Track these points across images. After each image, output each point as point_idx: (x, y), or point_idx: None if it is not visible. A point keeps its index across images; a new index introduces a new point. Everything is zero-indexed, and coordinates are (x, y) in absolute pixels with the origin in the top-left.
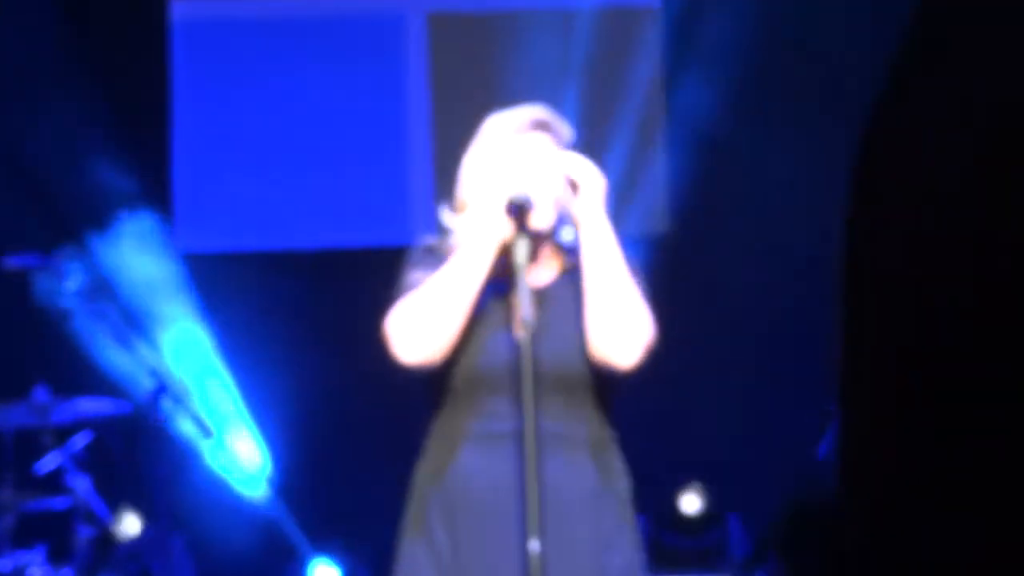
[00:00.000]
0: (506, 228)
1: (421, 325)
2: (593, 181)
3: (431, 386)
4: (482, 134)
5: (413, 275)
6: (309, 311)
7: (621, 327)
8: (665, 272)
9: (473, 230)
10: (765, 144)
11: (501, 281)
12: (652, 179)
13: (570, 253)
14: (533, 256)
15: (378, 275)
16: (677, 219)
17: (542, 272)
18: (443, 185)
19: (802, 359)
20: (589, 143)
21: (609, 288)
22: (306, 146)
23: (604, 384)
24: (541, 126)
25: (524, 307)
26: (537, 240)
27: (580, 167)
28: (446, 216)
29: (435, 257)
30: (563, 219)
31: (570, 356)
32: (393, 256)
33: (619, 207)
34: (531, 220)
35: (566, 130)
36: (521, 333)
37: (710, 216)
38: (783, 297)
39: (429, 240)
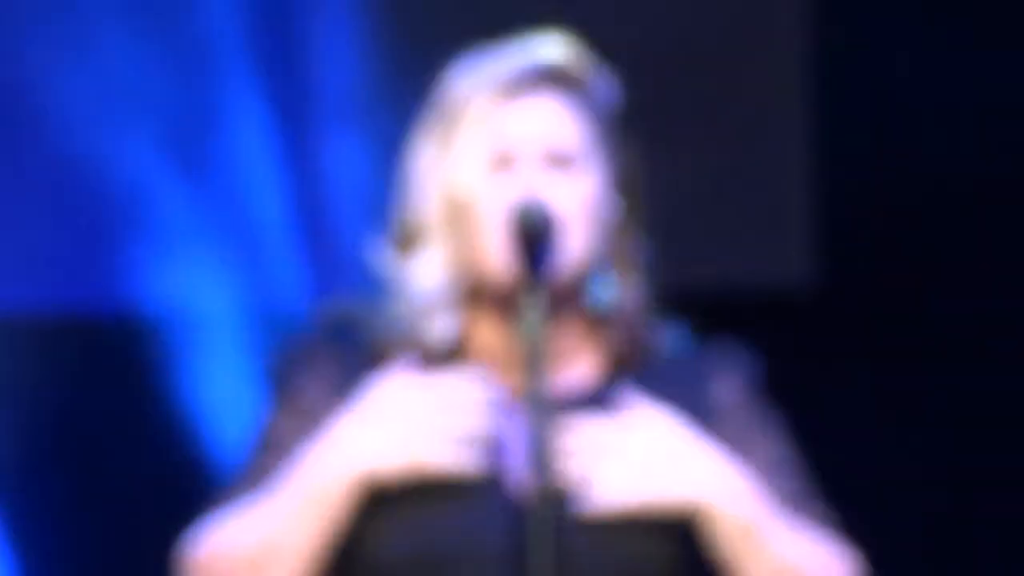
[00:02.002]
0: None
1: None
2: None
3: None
4: (449, 103)
5: (287, 426)
6: None
7: None
8: (807, 335)
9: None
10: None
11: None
12: (791, 203)
13: (612, 323)
14: (552, 328)
15: None
16: (825, 261)
17: (566, 369)
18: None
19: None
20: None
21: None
22: None
23: None
24: (557, 77)
25: (540, 425)
26: (556, 300)
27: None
28: (381, 256)
29: (338, 362)
30: (602, 260)
31: (635, 539)
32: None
33: (742, 242)
34: (552, 258)
35: (603, 85)
36: (532, 488)
37: (872, 258)
38: (974, 369)
39: (340, 309)
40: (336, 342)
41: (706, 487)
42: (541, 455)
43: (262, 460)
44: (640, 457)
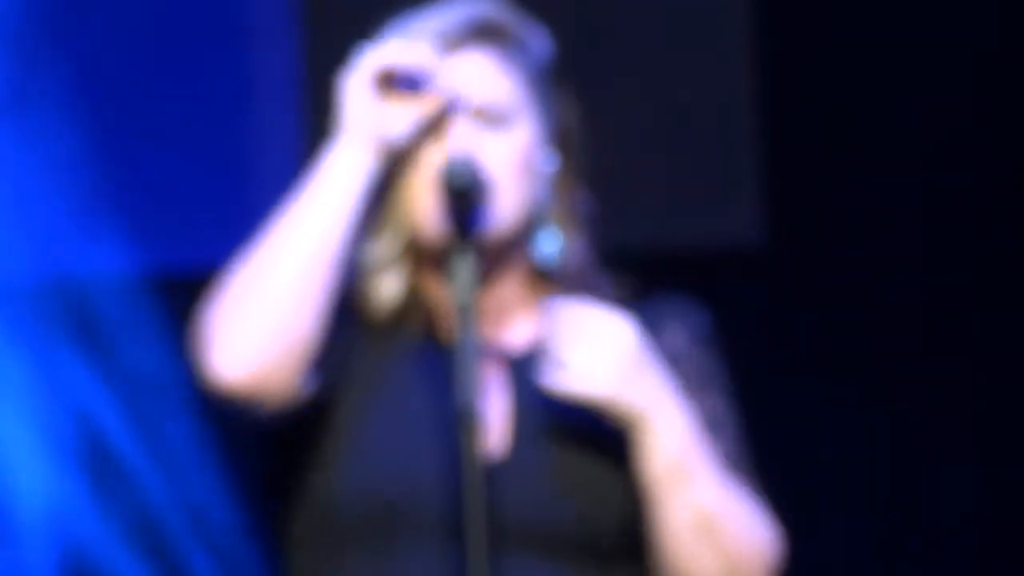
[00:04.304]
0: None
1: (242, 318)
2: (599, 365)
3: (292, 515)
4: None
5: None
6: None
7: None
8: (759, 296)
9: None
10: (895, 123)
11: (430, 345)
12: (741, 170)
13: (555, 283)
14: (485, 286)
15: None
16: (775, 226)
17: (509, 324)
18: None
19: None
20: (641, 111)
21: (688, 536)
22: None
23: (623, 551)
24: (487, 32)
25: (466, 384)
26: (495, 256)
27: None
28: None
29: None
30: (540, 215)
31: (567, 497)
32: None
33: (694, 210)
34: (484, 216)
35: (535, 40)
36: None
37: (818, 223)
38: (912, 328)
39: None
40: None
41: (658, 408)
42: (468, 413)
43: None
44: (609, 355)
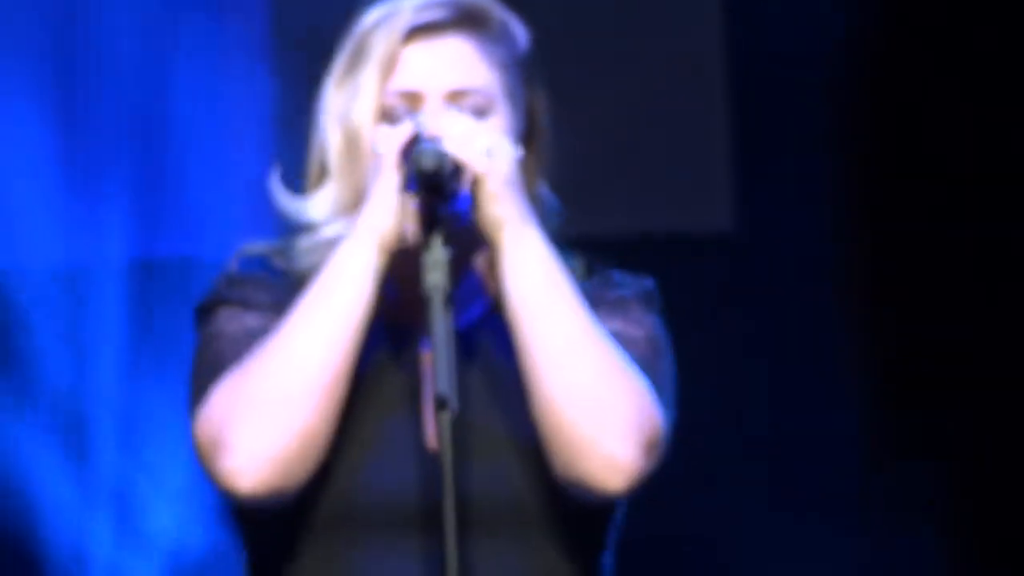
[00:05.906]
0: (407, 219)
1: (263, 427)
2: (496, 158)
3: (257, 524)
4: (356, 40)
5: (230, 328)
6: None
7: (588, 425)
8: (727, 280)
9: (349, 230)
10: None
11: (402, 329)
12: (710, 160)
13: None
14: (457, 271)
15: None
16: (742, 214)
17: (471, 303)
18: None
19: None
20: (617, 104)
21: (556, 354)
22: None
23: (585, 519)
24: (469, 19)
25: (440, 375)
26: (464, 239)
27: (471, 138)
28: (288, 198)
29: (270, 286)
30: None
31: (519, 469)
32: None
33: (666, 197)
34: (454, 200)
35: (515, 31)
36: (435, 431)
37: (783, 210)
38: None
39: (255, 249)
40: (259, 272)
41: (523, 224)
42: (446, 397)
43: (215, 354)
44: (492, 141)
